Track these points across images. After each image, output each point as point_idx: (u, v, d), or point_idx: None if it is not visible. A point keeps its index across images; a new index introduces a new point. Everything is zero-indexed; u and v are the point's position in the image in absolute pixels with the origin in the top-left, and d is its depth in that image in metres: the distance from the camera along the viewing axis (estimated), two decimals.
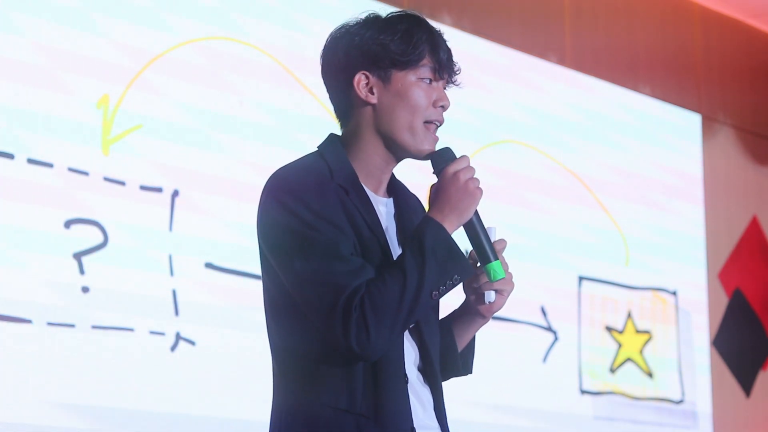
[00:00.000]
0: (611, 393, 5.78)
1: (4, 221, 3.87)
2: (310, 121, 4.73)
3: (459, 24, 5.41)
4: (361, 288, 2.07)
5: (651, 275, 6.09)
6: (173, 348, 4.21)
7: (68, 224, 4.02)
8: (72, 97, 4.07)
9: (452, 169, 2.17)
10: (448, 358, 2.29)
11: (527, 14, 5.81)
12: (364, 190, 2.20)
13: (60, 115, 4.04)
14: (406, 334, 2.18)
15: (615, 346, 5.86)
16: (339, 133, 2.31)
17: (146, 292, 4.16)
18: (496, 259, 2.18)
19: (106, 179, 4.13)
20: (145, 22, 4.32)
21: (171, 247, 4.25)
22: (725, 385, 6.50)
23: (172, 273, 4.24)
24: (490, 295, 2.22)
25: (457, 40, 5.35)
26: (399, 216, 2.26)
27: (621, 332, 5.90)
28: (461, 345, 2.32)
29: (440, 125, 2.24)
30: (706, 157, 6.55)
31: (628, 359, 5.91)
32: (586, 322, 5.73)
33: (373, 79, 2.22)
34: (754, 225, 6.84)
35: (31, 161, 3.96)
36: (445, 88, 2.27)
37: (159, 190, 4.26)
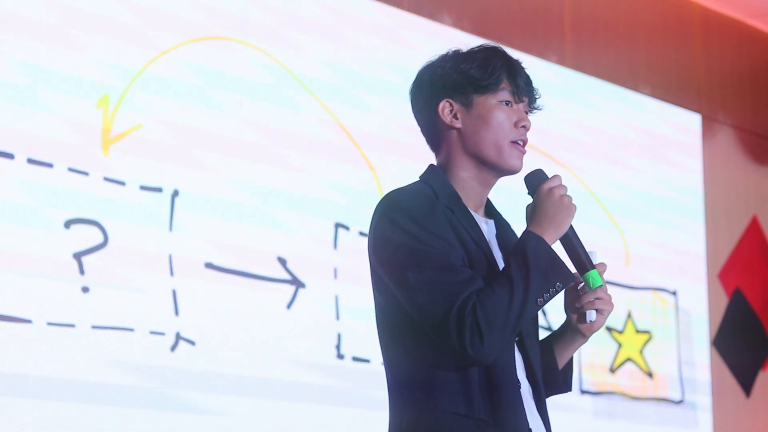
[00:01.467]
0: (611, 393, 5.78)
1: (4, 221, 3.87)
2: (311, 121, 4.73)
3: (459, 24, 5.41)
4: (473, 296, 2.21)
5: (651, 275, 6.09)
6: (173, 348, 4.21)
7: (68, 224, 4.01)
8: (72, 97, 4.07)
9: (547, 186, 2.35)
10: (550, 376, 2.45)
11: (527, 14, 5.81)
12: (467, 210, 2.37)
13: (60, 115, 4.04)
14: (515, 347, 2.33)
15: (615, 346, 5.86)
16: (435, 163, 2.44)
17: (146, 292, 4.16)
18: (594, 267, 2.34)
19: (106, 179, 4.13)
20: (145, 21, 4.31)
21: (171, 247, 4.25)
22: (725, 385, 6.49)
23: (172, 273, 4.24)
24: (592, 315, 2.38)
25: (457, 40, 5.36)
26: (500, 236, 2.43)
27: (621, 332, 5.90)
28: (561, 363, 2.48)
29: (524, 144, 2.41)
30: (706, 157, 6.55)
31: (628, 359, 5.91)
32: None
33: (456, 106, 2.39)
34: (754, 225, 6.84)
35: (31, 161, 3.96)
36: (527, 113, 2.43)
37: (159, 190, 4.26)
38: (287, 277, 4.55)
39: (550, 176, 2.38)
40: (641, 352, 5.98)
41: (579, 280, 2.37)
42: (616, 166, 6.03)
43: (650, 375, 5.99)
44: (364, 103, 4.89)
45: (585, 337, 2.45)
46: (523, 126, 2.39)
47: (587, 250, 2.36)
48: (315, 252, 4.64)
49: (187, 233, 4.30)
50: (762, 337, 6.79)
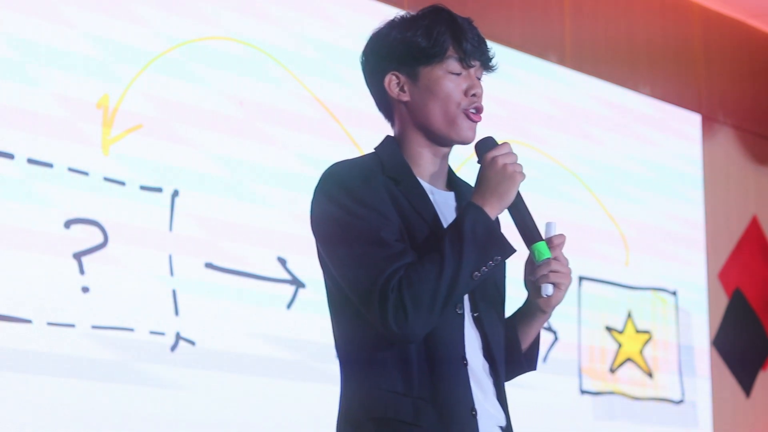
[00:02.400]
0: (611, 393, 5.78)
1: (4, 221, 3.87)
2: (311, 121, 4.73)
3: None
4: (400, 271, 2.13)
5: (651, 275, 6.09)
6: (173, 348, 4.21)
7: (68, 224, 4.01)
8: (72, 97, 4.07)
9: (491, 154, 2.23)
10: (513, 355, 2.35)
11: (527, 14, 5.81)
12: (416, 180, 2.27)
13: (60, 115, 4.04)
14: (471, 324, 2.24)
15: (615, 346, 5.86)
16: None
17: (146, 292, 4.16)
18: (542, 239, 2.24)
19: (106, 179, 4.13)
20: (146, 21, 4.32)
21: (171, 247, 4.25)
22: (725, 385, 6.49)
23: (172, 273, 4.24)
24: (547, 288, 2.26)
25: None
26: (460, 209, 2.30)
27: (621, 332, 5.90)
28: (525, 341, 2.38)
29: (478, 111, 2.30)
30: (706, 157, 6.55)
31: (628, 359, 5.91)
32: (586, 322, 5.73)
33: (403, 78, 2.30)
34: (754, 225, 6.84)
35: (31, 161, 3.96)
36: (480, 76, 2.32)
37: (159, 190, 4.26)
38: (287, 277, 4.55)
39: (499, 144, 2.26)
40: (641, 352, 5.98)
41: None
42: (616, 166, 6.03)
43: (650, 375, 5.99)
44: (365, 107, 4.88)
45: (545, 312, 2.32)
46: (474, 93, 2.29)
47: (547, 221, 2.29)
48: (315, 252, 4.62)
49: (187, 233, 4.30)
50: (762, 337, 6.79)
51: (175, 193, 4.30)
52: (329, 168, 2.28)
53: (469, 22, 2.33)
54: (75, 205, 4.03)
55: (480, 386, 2.24)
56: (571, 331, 5.64)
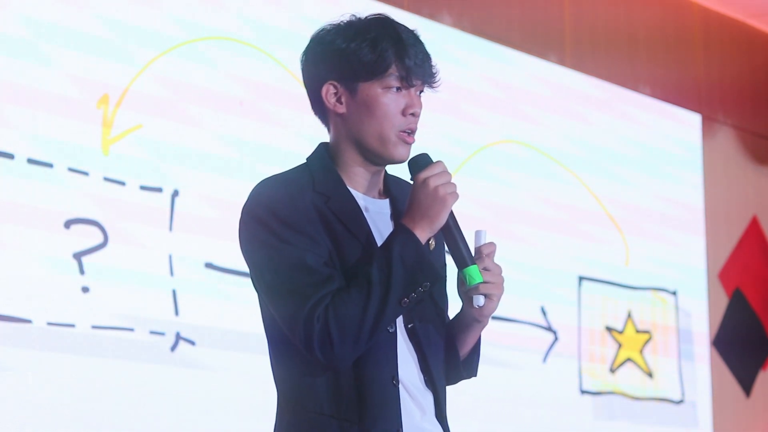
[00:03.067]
0: (611, 393, 5.78)
1: (4, 221, 3.87)
2: (310, 121, 4.72)
3: (459, 24, 5.41)
4: (326, 299, 2.08)
5: (651, 275, 6.09)
6: (173, 348, 4.21)
7: (68, 224, 4.01)
8: (72, 97, 4.07)
9: (423, 175, 2.15)
10: (451, 362, 2.28)
11: (527, 14, 5.81)
12: (349, 194, 2.21)
13: (60, 115, 4.04)
14: (405, 339, 2.19)
15: (615, 346, 5.86)
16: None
17: (146, 292, 4.16)
18: (473, 263, 2.16)
19: (106, 179, 4.13)
20: (145, 21, 4.31)
21: (171, 247, 4.25)
22: (725, 385, 6.49)
23: (172, 273, 4.24)
24: (479, 300, 2.19)
25: (457, 40, 5.38)
26: (395, 216, 2.26)
27: (621, 332, 5.90)
28: (464, 348, 2.31)
29: (412, 133, 2.22)
30: (706, 157, 6.55)
31: (628, 359, 5.91)
32: (586, 322, 5.72)
33: (341, 89, 2.23)
34: (754, 225, 6.84)
35: (31, 161, 3.96)
36: (421, 92, 2.24)
37: (159, 190, 4.26)
38: None
39: (434, 161, 2.17)
40: (641, 352, 5.98)
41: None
42: (616, 166, 6.02)
43: (650, 375, 5.99)
44: None
45: (480, 321, 2.25)
46: (412, 113, 2.20)
47: (477, 230, 2.21)
48: None
49: (187, 233, 4.30)
50: (762, 337, 6.79)
51: (175, 193, 4.30)
52: (257, 186, 2.22)
53: (415, 37, 2.22)
54: (75, 205, 4.03)
55: (417, 404, 2.19)
56: (571, 331, 5.64)
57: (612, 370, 5.82)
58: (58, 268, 3.96)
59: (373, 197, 2.26)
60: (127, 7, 4.27)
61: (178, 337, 4.23)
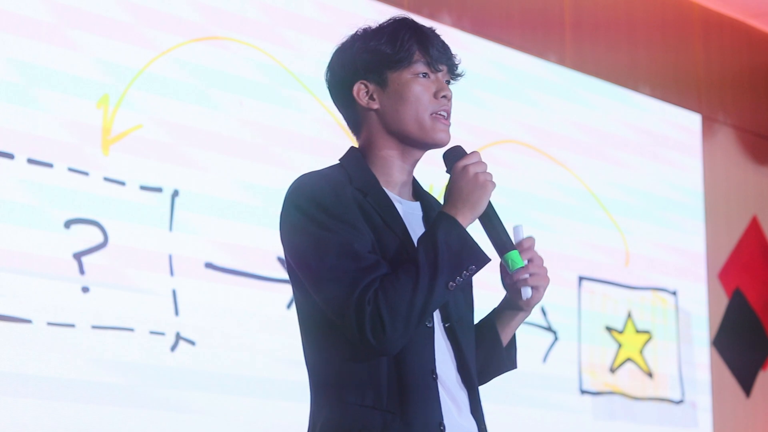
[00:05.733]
0: (611, 393, 5.78)
1: (4, 221, 3.87)
2: (310, 121, 4.73)
3: (459, 24, 5.41)
4: (375, 283, 2.12)
5: (651, 275, 6.09)
6: (173, 348, 4.21)
7: (68, 224, 4.01)
8: (72, 97, 4.07)
9: (462, 163, 2.22)
10: (494, 355, 2.36)
11: (527, 14, 5.81)
12: (384, 192, 2.27)
13: (60, 115, 4.04)
14: (442, 335, 2.24)
15: (615, 346, 5.86)
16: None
17: (146, 292, 4.16)
18: (514, 248, 2.23)
19: (106, 179, 4.13)
20: (145, 21, 4.32)
21: (171, 247, 4.25)
22: (725, 385, 6.49)
23: (172, 273, 4.24)
24: (527, 291, 2.26)
25: (457, 40, 5.37)
26: (427, 218, 2.32)
27: (621, 332, 5.90)
28: (505, 340, 2.38)
29: (448, 115, 2.30)
30: (706, 157, 6.55)
31: (628, 359, 5.91)
32: (586, 323, 5.73)
33: (371, 86, 2.30)
34: (754, 225, 6.84)
35: (31, 161, 3.96)
36: (449, 82, 2.32)
37: (159, 190, 4.26)
38: (287, 277, 4.54)
39: (468, 153, 2.26)
40: (641, 352, 5.98)
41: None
42: (616, 166, 6.03)
43: (650, 375, 5.99)
44: None
45: (525, 311, 2.34)
46: (444, 96, 2.29)
47: (515, 225, 2.28)
48: None
49: (187, 233, 4.30)
50: (762, 337, 6.79)
51: (175, 193, 4.30)
52: (297, 180, 2.26)
53: (432, 30, 2.33)
54: (75, 205, 4.03)
55: (454, 400, 2.23)
56: (571, 331, 5.64)
57: (612, 370, 5.82)
58: (58, 268, 3.96)
59: (406, 198, 2.32)
60: (127, 7, 4.27)
61: (178, 337, 4.23)
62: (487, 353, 2.35)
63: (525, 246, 2.26)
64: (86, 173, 4.08)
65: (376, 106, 2.29)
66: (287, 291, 4.54)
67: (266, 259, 4.50)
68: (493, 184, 2.21)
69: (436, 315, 2.23)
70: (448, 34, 5.51)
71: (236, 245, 4.42)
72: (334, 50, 2.36)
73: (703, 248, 6.38)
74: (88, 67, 4.13)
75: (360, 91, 2.30)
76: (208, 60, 4.47)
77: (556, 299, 5.55)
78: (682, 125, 6.44)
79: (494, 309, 2.38)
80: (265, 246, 4.50)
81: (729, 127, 6.81)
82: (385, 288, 2.11)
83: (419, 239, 2.18)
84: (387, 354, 2.14)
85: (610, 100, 6.06)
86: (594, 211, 5.86)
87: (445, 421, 2.19)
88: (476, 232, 2.24)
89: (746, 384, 6.65)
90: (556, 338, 5.54)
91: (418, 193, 2.36)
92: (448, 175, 2.25)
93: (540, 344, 5.46)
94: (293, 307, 4.53)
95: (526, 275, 2.25)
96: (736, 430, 6.51)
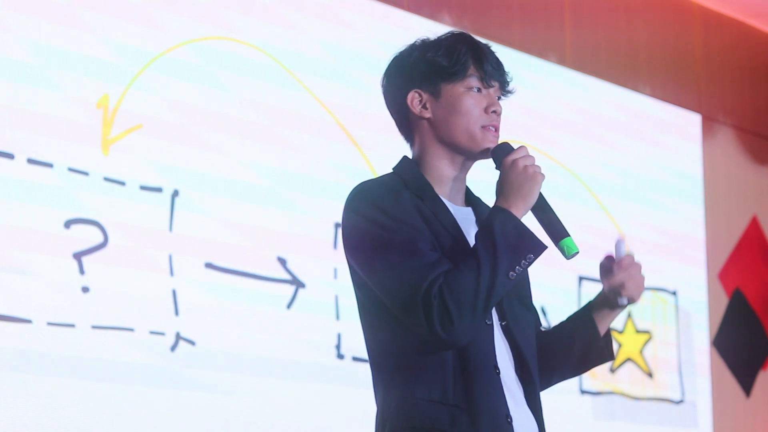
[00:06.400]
0: (611, 393, 5.78)
1: (4, 221, 3.87)
2: (310, 121, 4.73)
3: (459, 24, 5.41)
4: (439, 278, 2.20)
5: (651, 275, 6.03)
6: (173, 348, 4.21)
7: (68, 224, 4.01)
8: (72, 97, 4.07)
9: (511, 158, 2.31)
10: (594, 346, 2.44)
11: (527, 14, 5.81)
12: (439, 197, 2.35)
13: (60, 115, 4.04)
14: (500, 333, 2.31)
15: (615, 346, 5.86)
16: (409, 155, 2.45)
17: (146, 292, 4.16)
18: (568, 235, 2.32)
19: (106, 179, 4.13)
20: (145, 21, 4.31)
21: (171, 247, 4.25)
22: (725, 385, 6.49)
23: (172, 273, 4.24)
24: (623, 300, 2.40)
25: None
26: (480, 224, 2.38)
27: (621, 332, 5.90)
28: (602, 331, 2.46)
29: (496, 129, 2.38)
30: (706, 157, 6.55)
31: (628, 359, 5.91)
32: None
33: (425, 96, 2.38)
34: (754, 225, 6.84)
35: (31, 161, 3.96)
36: (499, 98, 2.41)
37: (159, 190, 4.26)
38: (287, 277, 4.55)
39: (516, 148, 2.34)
40: (641, 352, 5.98)
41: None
42: (616, 165, 6.03)
43: (650, 375, 5.99)
44: (364, 103, 4.89)
45: (625, 307, 2.45)
46: (494, 111, 2.37)
47: (618, 239, 2.39)
48: (315, 252, 4.64)
49: (187, 233, 4.30)
50: (762, 337, 6.79)
51: (175, 193, 4.30)
52: (356, 188, 2.35)
53: (488, 47, 2.41)
54: (75, 205, 4.03)
55: (512, 395, 2.29)
56: None
57: (612, 370, 5.82)
58: (58, 268, 3.96)
59: (458, 205, 2.40)
60: (127, 7, 4.27)
61: (178, 337, 4.23)
62: (585, 344, 2.44)
63: (624, 264, 2.39)
64: (86, 173, 4.08)
65: (428, 115, 2.37)
66: (287, 291, 4.54)
67: (266, 259, 4.50)
68: (543, 176, 2.29)
69: (494, 314, 2.31)
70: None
71: (236, 245, 4.42)
72: (391, 58, 2.46)
73: (703, 248, 6.38)
74: (88, 67, 4.13)
75: (414, 99, 2.38)
76: (208, 60, 4.46)
77: (556, 299, 5.55)
78: (682, 125, 6.44)
79: (590, 302, 2.48)
80: (265, 246, 4.50)
81: (729, 127, 6.81)
82: (449, 282, 2.19)
83: (476, 234, 2.26)
84: (456, 345, 2.22)
85: (609, 100, 6.06)
86: (594, 211, 5.86)
87: (511, 414, 2.26)
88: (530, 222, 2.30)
89: (746, 384, 6.65)
90: None
91: (469, 199, 2.44)
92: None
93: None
94: (293, 307, 4.53)
95: (621, 281, 2.39)
96: (736, 430, 6.51)
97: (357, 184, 2.36)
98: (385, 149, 4.89)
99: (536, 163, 2.30)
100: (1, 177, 3.89)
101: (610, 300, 2.43)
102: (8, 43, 3.96)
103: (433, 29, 5.32)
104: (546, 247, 2.28)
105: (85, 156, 4.08)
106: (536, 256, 2.26)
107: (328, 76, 4.81)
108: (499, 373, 2.27)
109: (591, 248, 5.83)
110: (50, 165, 4.00)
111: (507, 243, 2.22)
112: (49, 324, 3.92)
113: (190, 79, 4.40)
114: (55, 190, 4.00)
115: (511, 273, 2.23)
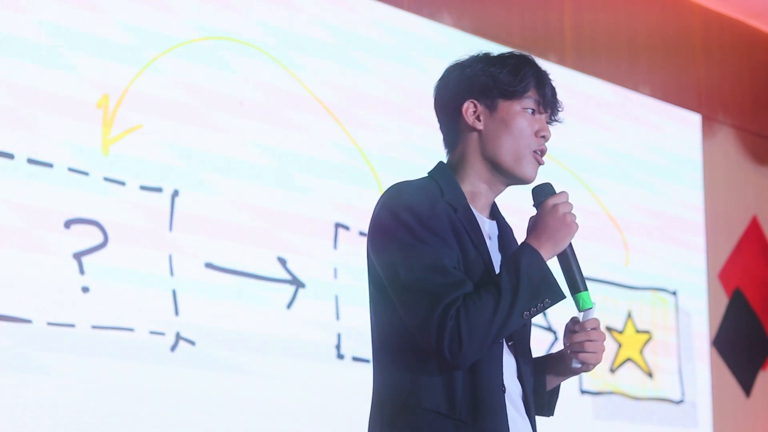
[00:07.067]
0: (611, 393, 5.78)
1: (4, 221, 3.87)
2: (310, 121, 4.73)
3: (459, 24, 5.41)
4: (458, 300, 2.21)
5: (651, 275, 6.09)
6: (173, 348, 4.21)
7: (68, 224, 4.02)
8: (72, 97, 4.07)
9: (552, 201, 2.34)
10: (536, 397, 2.45)
11: (527, 14, 5.81)
12: (471, 210, 2.37)
13: (60, 115, 4.04)
14: (507, 350, 2.35)
15: (615, 346, 5.86)
16: (445, 160, 2.46)
17: (146, 292, 4.16)
18: (586, 289, 2.36)
19: (106, 179, 4.13)
20: (145, 21, 4.32)
21: (171, 247, 4.25)
22: (725, 385, 6.50)
23: (172, 273, 4.24)
24: (576, 362, 2.39)
25: (457, 40, 5.38)
26: (501, 237, 2.44)
27: (621, 332, 5.90)
28: (549, 386, 2.50)
29: (542, 154, 2.42)
30: (706, 157, 6.55)
31: (628, 359, 5.91)
32: None
33: (480, 108, 2.40)
34: (754, 225, 6.84)
35: (31, 161, 3.96)
36: (549, 123, 2.47)
37: (159, 190, 4.26)
38: (287, 277, 4.55)
39: (557, 192, 2.37)
40: (641, 352, 5.98)
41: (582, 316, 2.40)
42: (615, 166, 6.03)
43: (650, 375, 5.99)
44: (365, 103, 4.89)
45: (576, 374, 2.46)
46: (543, 136, 2.42)
47: (587, 309, 2.38)
48: (315, 252, 4.64)
49: (187, 233, 4.30)
50: (762, 337, 6.79)
51: (175, 193, 4.30)
52: (393, 188, 2.34)
53: (547, 73, 2.47)
54: (75, 205, 4.03)
55: (517, 410, 2.33)
56: None
57: (612, 370, 5.82)
58: (58, 268, 3.96)
59: (485, 217, 2.42)
60: (127, 7, 4.27)
61: (178, 337, 4.23)
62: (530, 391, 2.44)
63: (588, 327, 2.38)
64: (86, 173, 4.08)
65: (480, 127, 2.39)
66: (287, 291, 4.54)
67: (266, 259, 4.50)
68: (577, 226, 2.32)
69: None
70: (449, 34, 5.48)
71: (236, 245, 4.42)
72: (451, 63, 2.47)
73: (703, 248, 6.38)
74: (88, 67, 4.13)
75: (468, 109, 2.40)
76: (208, 60, 4.46)
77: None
78: (682, 125, 6.44)
79: (550, 355, 2.50)
80: (265, 246, 4.50)
81: (729, 127, 6.81)
82: (468, 307, 2.21)
83: (502, 264, 2.29)
84: (458, 368, 2.24)
85: (610, 100, 6.06)
86: (594, 210, 5.86)
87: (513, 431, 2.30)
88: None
89: (746, 384, 6.65)
90: (556, 338, 5.54)
91: (494, 213, 2.46)
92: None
93: (540, 344, 5.46)
94: (293, 307, 4.53)
95: (584, 340, 2.37)
96: (736, 430, 6.51)
97: (394, 183, 2.35)
98: (385, 150, 4.89)
99: (573, 212, 2.33)
100: (1, 177, 3.89)
101: (566, 361, 2.43)
102: (9, 43, 3.96)
103: (433, 29, 5.34)
104: (564, 297, 2.31)
105: (85, 156, 4.08)
106: (553, 302, 2.29)
107: (327, 76, 4.81)
108: (504, 392, 2.30)
109: (591, 249, 5.85)
110: (50, 165, 4.00)
111: (530, 282, 2.24)
112: (49, 324, 3.92)
113: (190, 79, 4.40)
114: (55, 190, 4.00)
115: (525, 313, 2.25)
